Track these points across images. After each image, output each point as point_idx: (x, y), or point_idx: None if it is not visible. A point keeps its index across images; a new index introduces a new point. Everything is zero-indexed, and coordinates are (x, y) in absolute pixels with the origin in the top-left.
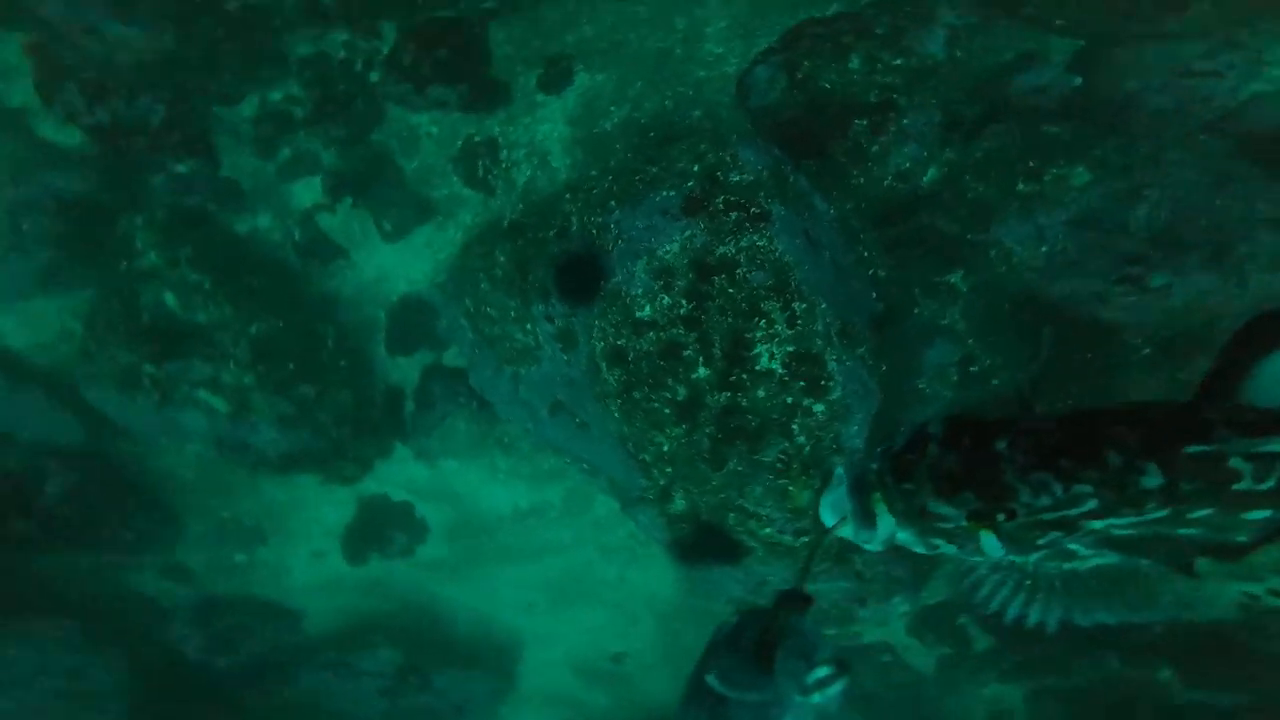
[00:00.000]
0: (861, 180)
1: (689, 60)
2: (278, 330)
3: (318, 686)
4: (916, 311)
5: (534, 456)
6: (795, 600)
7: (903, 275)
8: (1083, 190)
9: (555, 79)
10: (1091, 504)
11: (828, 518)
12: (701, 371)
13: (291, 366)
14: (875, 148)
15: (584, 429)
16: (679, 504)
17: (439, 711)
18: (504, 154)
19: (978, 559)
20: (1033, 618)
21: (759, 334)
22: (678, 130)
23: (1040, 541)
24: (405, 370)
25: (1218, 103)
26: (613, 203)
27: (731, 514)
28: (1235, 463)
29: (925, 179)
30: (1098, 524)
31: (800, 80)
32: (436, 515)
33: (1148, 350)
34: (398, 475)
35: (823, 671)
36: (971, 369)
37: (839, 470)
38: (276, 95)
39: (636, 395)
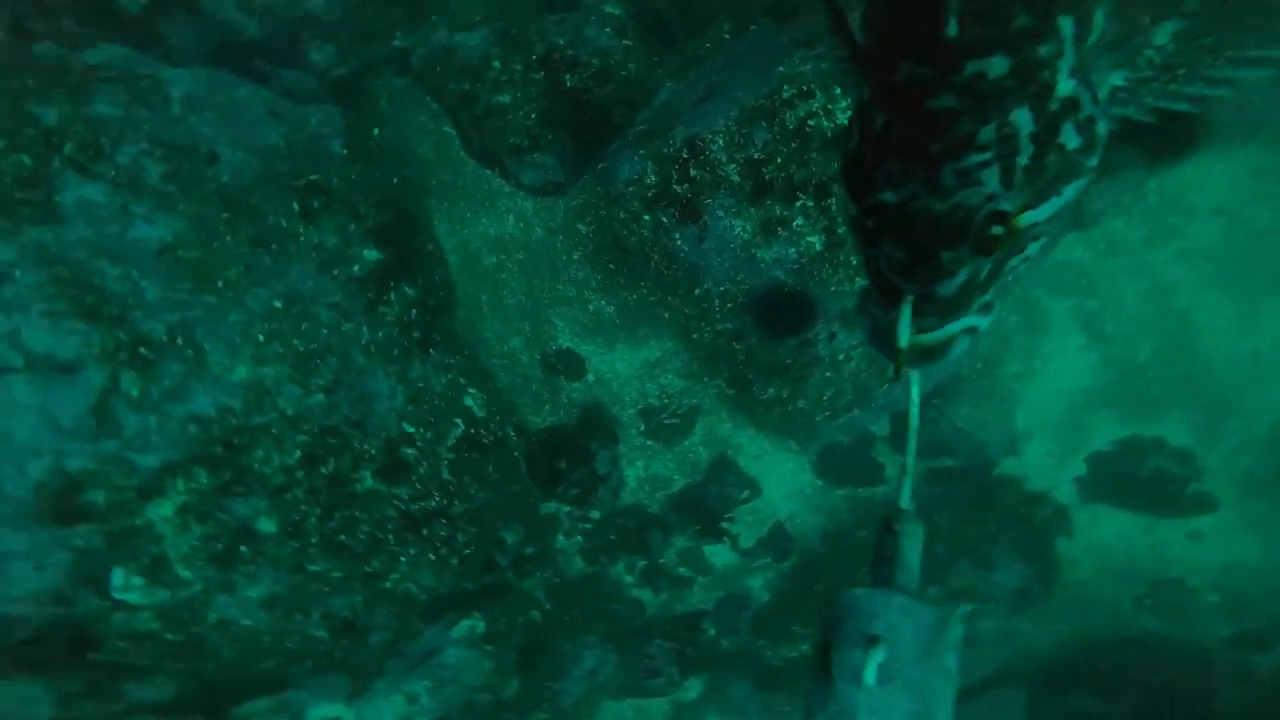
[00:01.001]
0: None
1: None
2: None
3: None
4: None
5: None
6: (889, 531)
7: None
8: None
9: (572, 368)
10: (1023, 115)
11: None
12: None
13: None
14: (594, 62)
15: None
16: None
17: None
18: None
19: (1070, 198)
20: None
21: (820, 116)
22: (604, 238)
23: (1076, 145)
24: None
25: None
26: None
27: None
28: None
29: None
30: (1060, 82)
31: (527, 143)
32: None
33: None
34: None
35: (866, 657)
36: None
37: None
38: None
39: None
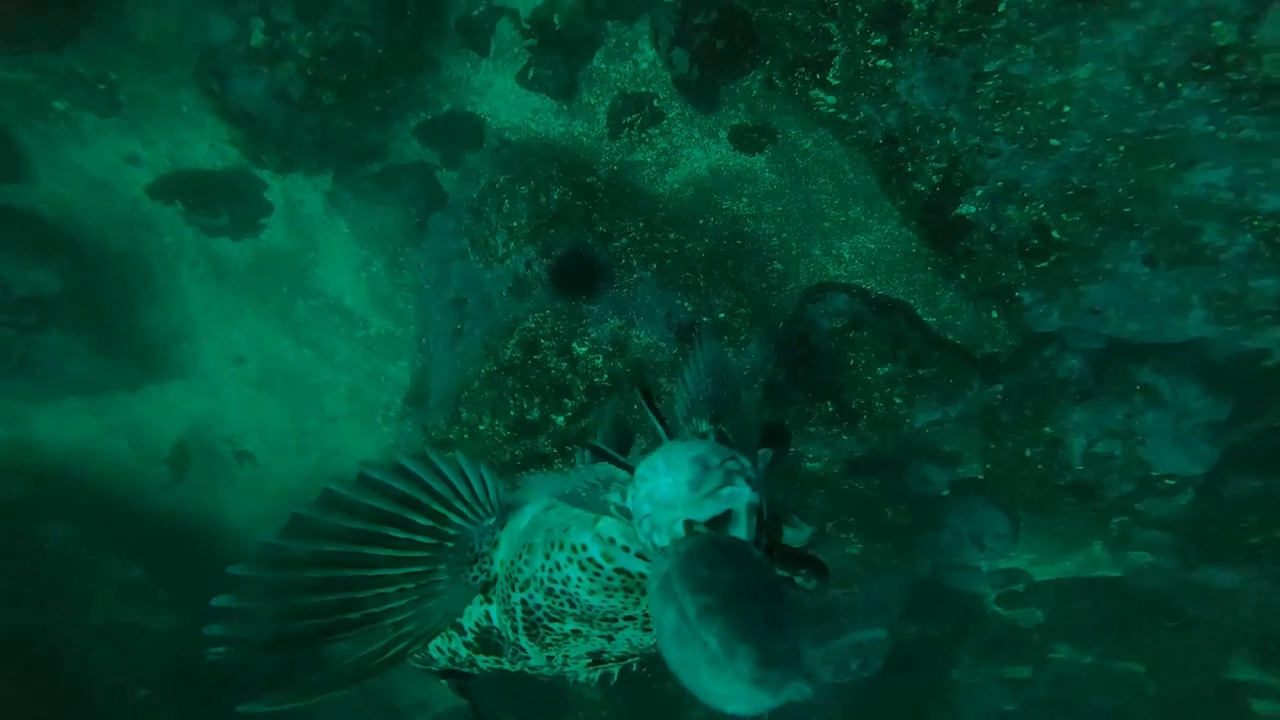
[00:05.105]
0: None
1: (823, 236)
2: (373, 50)
3: None
4: None
5: (402, 291)
6: None
7: None
8: (843, 556)
9: (747, 139)
10: None
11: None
12: (560, 420)
13: (344, 77)
14: (812, 429)
15: (456, 336)
16: (447, 446)
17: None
18: (655, 130)
19: None
20: None
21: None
22: (751, 267)
23: None
24: (406, 150)
25: (958, 560)
26: (655, 265)
27: None
28: None
29: (809, 464)
30: None
31: (848, 337)
32: (278, 236)
33: None
34: (296, 188)
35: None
36: None
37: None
38: None
39: (509, 381)
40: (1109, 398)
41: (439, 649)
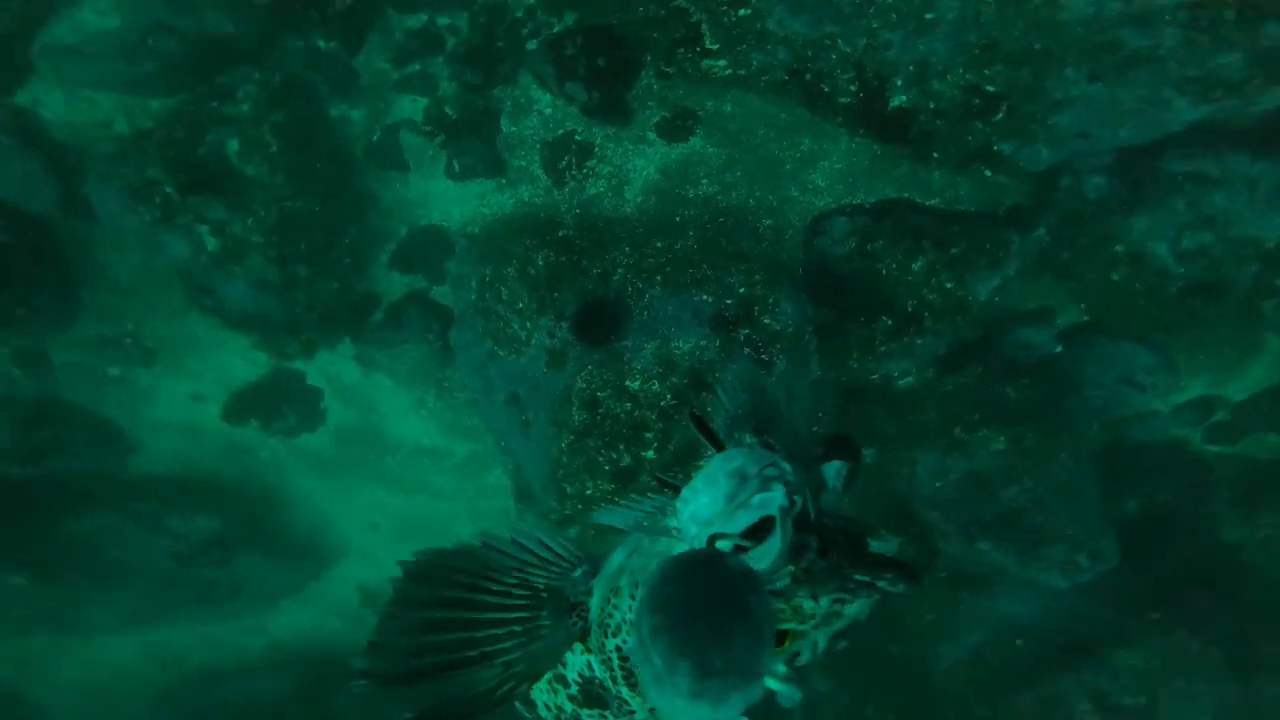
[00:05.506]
0: (855, 366)
1: (791, 177)
2: (310, 211)
3: (107, 529)
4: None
5: (462, 411)
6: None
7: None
8: (991, 455)
9: (674, 129)
10: None
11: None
12: (650, 454)
13: (302, 246)
14: (883, 348)
15: (526, 428)
16: (571, 533)
17: (216, 586)
18: (592, 161)
19: None
20: None
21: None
22: (744, 234)
23: None
24: (394, 285)
25: (1127, 411)
26: (659, 277)
27: None
28: None
29: (900, 382)
30: None
31: (866, 251)
32: (340, 414)
33: None
34: (328, 365)
35: None
36: None
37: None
38: (443, 20)
39: (590, 443)
40: (1158, 198)
41: (546, 706)
